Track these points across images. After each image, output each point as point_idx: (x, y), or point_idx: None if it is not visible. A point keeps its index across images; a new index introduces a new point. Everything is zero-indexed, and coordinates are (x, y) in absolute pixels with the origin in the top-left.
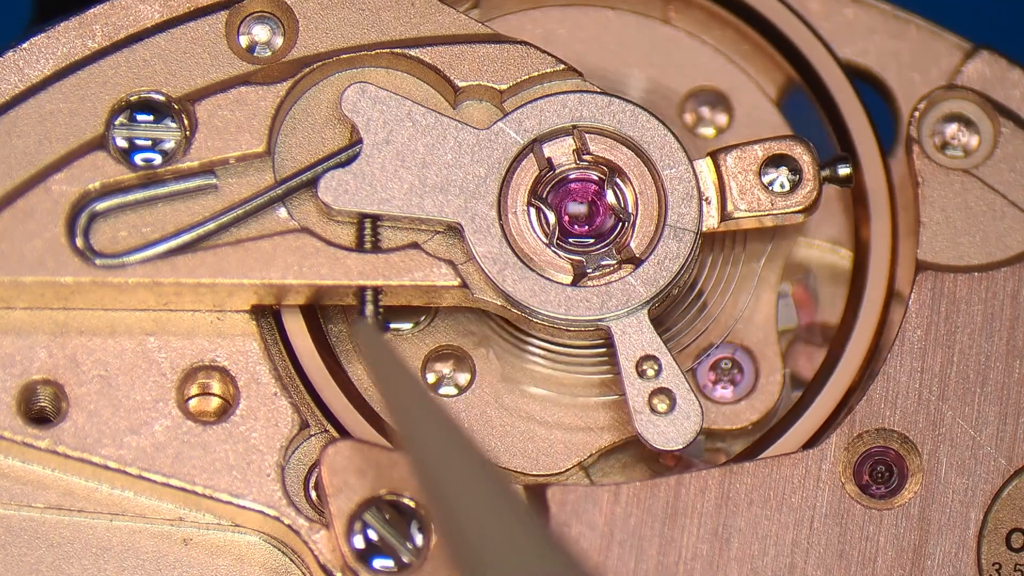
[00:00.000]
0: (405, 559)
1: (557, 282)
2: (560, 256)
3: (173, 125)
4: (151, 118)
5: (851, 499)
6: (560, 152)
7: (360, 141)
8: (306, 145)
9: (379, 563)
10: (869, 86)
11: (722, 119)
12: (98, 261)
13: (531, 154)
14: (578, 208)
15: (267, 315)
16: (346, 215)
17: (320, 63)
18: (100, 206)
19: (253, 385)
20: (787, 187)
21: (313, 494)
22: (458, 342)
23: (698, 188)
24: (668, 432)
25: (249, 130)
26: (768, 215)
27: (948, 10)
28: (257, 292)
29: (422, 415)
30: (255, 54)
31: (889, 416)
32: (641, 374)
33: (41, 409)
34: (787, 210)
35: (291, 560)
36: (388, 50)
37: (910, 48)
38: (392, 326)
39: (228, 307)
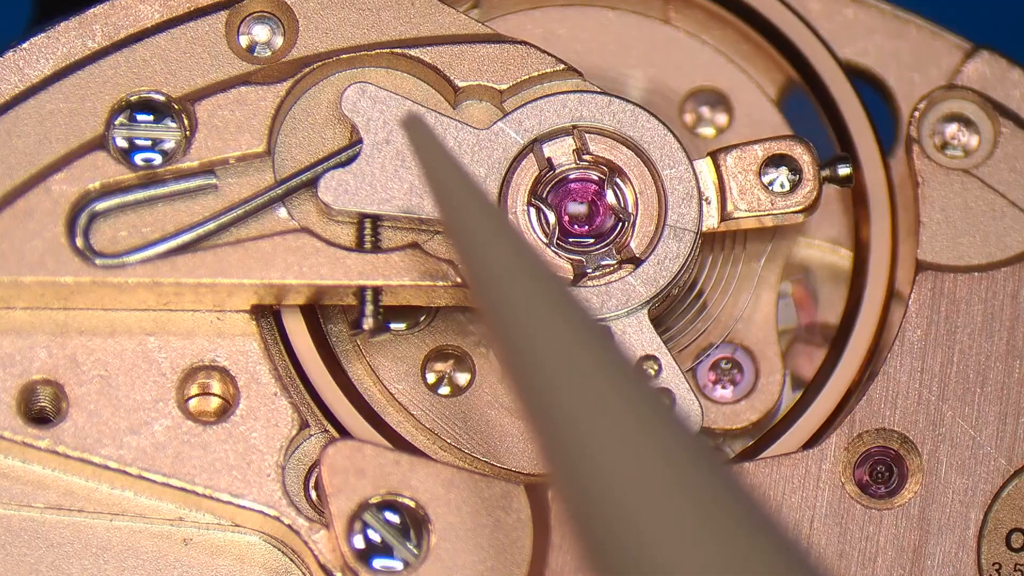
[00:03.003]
0: (405, 559)
1: None
2: (560, 256)
3: (173, 125)
4: (151, 118)
5: (851, 499)
6: (560, 152)
7: (360, 141)
8: (306, 145)
9: (379, 563)
10: (869, 86)
11: (722, 119)
12: (98, 261)
13: (531, 154)
14: (578, 208)
15: (267, 315)
16: (346, 215)
17: (320, 63)
18: (100, 206)
19: (253, 385)
20: (787, 187)
21: (313, 494)
22: (458, 342)
23: (698, 188)
24: None
25: (249, 130)
26: (768, 215)
27: (948, 10)
28: (257, 292)
29: (472, 211)
30: (255, 54)
31: (889, 416)
32: None
33: (41, 409)
34: (787, 210)
35: (291, 560)
36: (388, 50)
37: (910, 48)
38: (392, 326)
39: (228, 307)
